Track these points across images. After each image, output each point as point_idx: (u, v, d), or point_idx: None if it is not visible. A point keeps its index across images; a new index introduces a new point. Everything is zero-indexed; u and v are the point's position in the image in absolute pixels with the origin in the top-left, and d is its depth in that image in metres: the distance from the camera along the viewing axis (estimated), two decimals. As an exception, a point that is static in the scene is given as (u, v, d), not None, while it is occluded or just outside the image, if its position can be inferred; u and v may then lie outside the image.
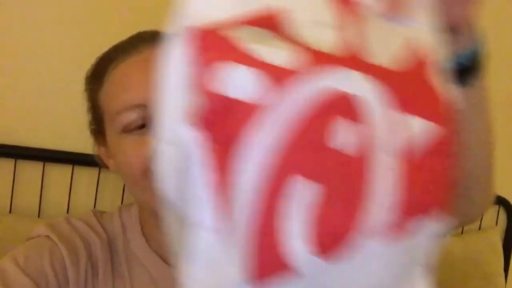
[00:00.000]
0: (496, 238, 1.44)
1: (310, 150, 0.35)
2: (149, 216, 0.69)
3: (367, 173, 0.35)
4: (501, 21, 1.32)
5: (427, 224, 0.37)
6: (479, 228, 1.46)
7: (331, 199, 0.35)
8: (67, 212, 1.14)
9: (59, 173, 1.15)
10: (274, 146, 0.34)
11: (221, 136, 0.35)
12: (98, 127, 0.69)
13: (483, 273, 1.39)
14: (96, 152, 0.72)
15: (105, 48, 0.69)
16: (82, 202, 1.15)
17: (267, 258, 0.35)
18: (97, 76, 0.68)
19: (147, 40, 0.65)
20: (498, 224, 1.47)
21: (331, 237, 0.35)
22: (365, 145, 0.35)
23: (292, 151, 0.34)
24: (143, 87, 0.61)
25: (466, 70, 0.48)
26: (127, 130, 0.62)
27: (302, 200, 0.34)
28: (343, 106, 0.35)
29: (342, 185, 0.35)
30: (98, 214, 0.73)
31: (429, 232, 0.38)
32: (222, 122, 0.35)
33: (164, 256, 0.69)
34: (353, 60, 0.37)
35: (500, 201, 1.44)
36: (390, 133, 0.36)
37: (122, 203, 1.12)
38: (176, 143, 0.36)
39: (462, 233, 1.43)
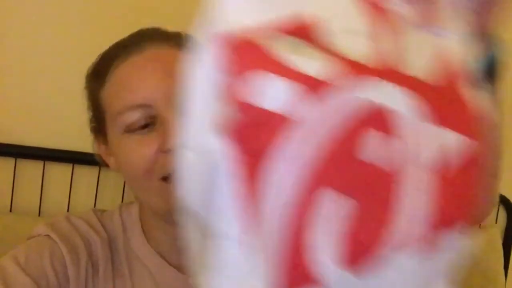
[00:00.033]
0: (496, 236, 1.44)
1: (342, 163, 0.34)
2: (150, 215, 0.69)
3: (398, 186, 0.34)
4: None
5: (454, 237, 0.37)
6: (479, 226, 1.46)
7: (361, 213, 0.34)
8: (68, 211, 1.14)
9: (59, 172, 1.15)
10: (305, 159, 0.33)
11: (251, 147, 0.34)
12: (98, 126, 0.69)
13: (483, 271, 1.39)
14: (96, 150, 0.72)
15: (105, 47, 0.69)
16: (82, 201, 1.15)
17: (295, 271, 0.34)
18: (98, 75, 0.67)
19: (148, 38, 0.65)
20: (498, 222, 1.47)
21: (361, 251, 0.34)
22: (397, 158, 0.35)
23: (324, 163, 0.33)
24: (145, 87, 0.61)
25: (482, 75, 0.48)
26: (130, 130, 0.62)
27: (332, 213, 0.33)
28: (376, 119, 0.34)
29: (373, 199, 0.34)
30: (99, 213, 0.73)
31: (455, 245, 0.37)
32: (253, 133, 0.33)
33: (164, 254, 0.69)
34: (387, 71, 0.36)
35: (500, 199, 1.44)
36: (424, 147, 0.36)
37: (122, 201, 1.11)
38: (201, 151, 0.35)
39: (462, 231, 1.43)
